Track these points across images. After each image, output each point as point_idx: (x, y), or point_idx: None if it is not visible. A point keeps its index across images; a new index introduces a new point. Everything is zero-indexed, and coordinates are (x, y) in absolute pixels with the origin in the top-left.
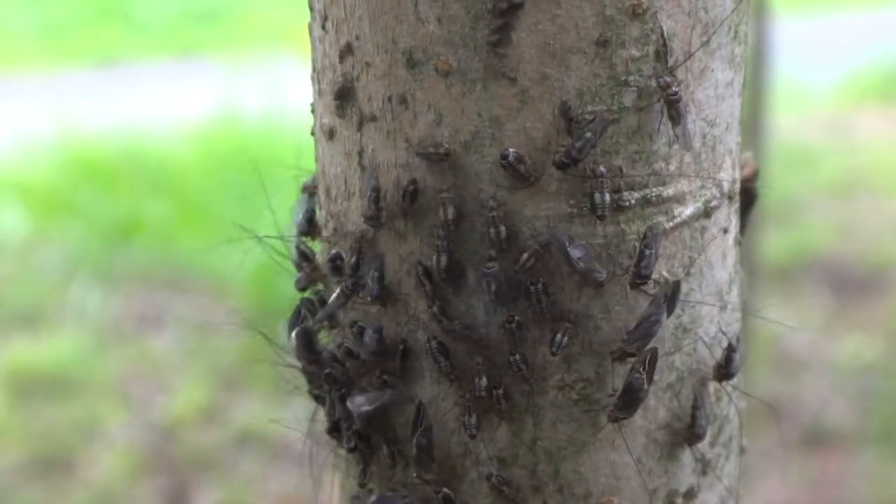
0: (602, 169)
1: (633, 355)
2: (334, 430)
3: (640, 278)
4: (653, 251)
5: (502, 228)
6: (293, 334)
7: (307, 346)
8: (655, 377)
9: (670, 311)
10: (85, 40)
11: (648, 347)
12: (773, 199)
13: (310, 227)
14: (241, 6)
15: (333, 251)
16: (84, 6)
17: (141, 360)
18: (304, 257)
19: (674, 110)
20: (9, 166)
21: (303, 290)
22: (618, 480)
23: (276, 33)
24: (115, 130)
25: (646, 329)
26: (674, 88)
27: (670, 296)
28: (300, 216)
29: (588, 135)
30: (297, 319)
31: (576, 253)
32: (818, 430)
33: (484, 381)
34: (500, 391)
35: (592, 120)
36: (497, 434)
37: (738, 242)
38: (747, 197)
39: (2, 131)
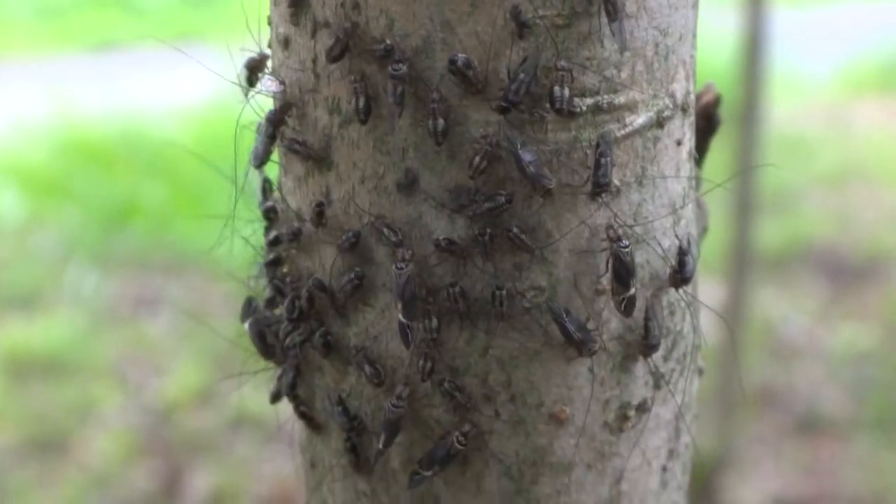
0: (563, 63)
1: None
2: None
3: (598, 187)
4: (608, 159)
5: (440, 121)
6: (246, 326)
7: (260, 339)
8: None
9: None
10: (82, 24)
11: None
12: (769, 188)
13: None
14: None
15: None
16: None
17: (136, 344)
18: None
19: (610, 5)
20: (6, 150)
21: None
22: (570, 390)
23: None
24: (112, 115)
25: None
26: None
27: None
28: (261, 201)
29: (521, 76)
30: (248, 309)
31: (526, 156)
32: (812, 417)
33: (458, 289)
34: (457, 289)
35: (524, 61)
36: (448, 342)
37: (694, 158)
38: (709, 123)
39: None
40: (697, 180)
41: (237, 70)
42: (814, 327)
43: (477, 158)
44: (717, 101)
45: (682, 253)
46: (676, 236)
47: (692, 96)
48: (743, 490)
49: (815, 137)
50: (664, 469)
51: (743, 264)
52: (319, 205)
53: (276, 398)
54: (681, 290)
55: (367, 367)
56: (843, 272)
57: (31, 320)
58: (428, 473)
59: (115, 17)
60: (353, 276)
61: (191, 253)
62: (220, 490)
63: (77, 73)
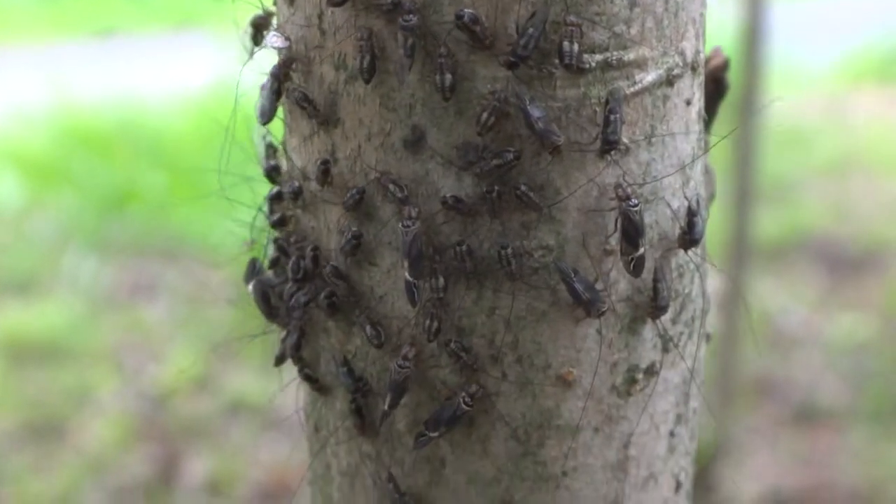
0: (573, 18)
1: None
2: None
3: (608, 144)
4: (618, 115)
5: (448, 76)
6: (250, 287)
7: (264, 299)
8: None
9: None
10: (83, 11)
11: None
12: (768, 179)
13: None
14: None
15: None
16: None
17: (133, 329)
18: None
19: None
20: (5, 135)
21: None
22: (578, 352)
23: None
24: (111, 101)
25: None
26: None
27: None
28: (265, 162)
29: (530, 30)
30: (252, 271)
31: (535, 112)
32: (810, 407)
33: (465, 247)
34: (464, 248)
35: (532, 16)
36: (455, 302)
37: (703, 119)
38: (718, 87)
39: None
40: (705, 144)
41: (241, 39)
42: (812, 317)
43: (485, 114)
44: (725, 65)
45: (692, 214)
46: (685, 197)
47: (702, 55)
48: (740, 480)
49: (814, 128)
50: (672, 434)
51: (741, 254)
52: (325, 162)
53: (280, 361)
54: (690, 252)
55: (367, 328)
56: (841, 262)
57: (28, 305)
58: (434, 435)
59: (115, 3)
60: (350, 235)
61: (188, 239)
62: (217, 476)
63: (77, 59)
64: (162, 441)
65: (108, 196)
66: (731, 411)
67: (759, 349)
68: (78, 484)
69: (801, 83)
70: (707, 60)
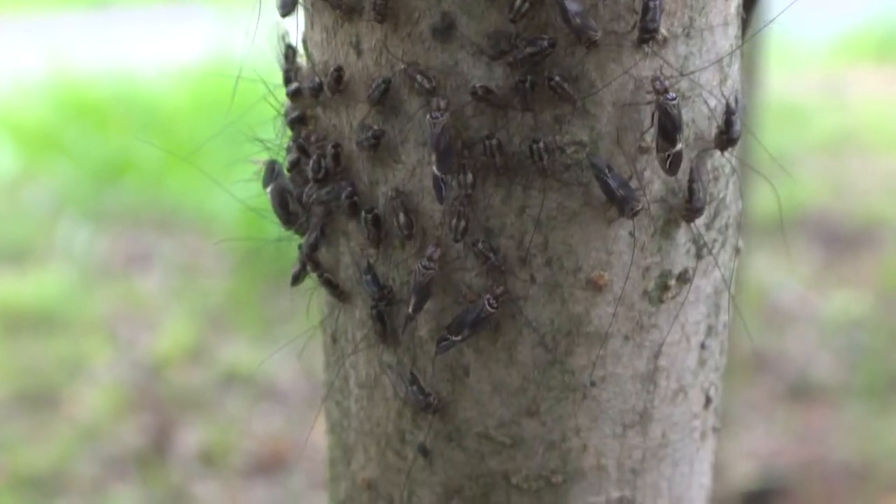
0: None
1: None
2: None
3: (646, 33)
4: (657, 2)
5: None
6: (268, 191)
7: (282, 204)
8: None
9: None
10: None
11: None
12: (765, 155)
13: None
14: None
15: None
16: None
17: (128, 299)
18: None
19: None
20: (1, 104)
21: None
22: (609, 255)
23: None
24: (106, 72)
25: None
26: None
27: None
28: (283, 63)
29: None
30: (271, 174)
31: (572, 7)
32: (804, 383)
33: (495, 141)
34: (494, 142)
35: None
36: (483, 201)
37: (742, 17)
38: None
39: None
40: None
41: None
42: (807, 294)
43: (518, 1)
44: None
45: (730, 112)
46: (723, 95)
47: None
48: (734, 454)
49: (811, 106)
50: (703, 346)
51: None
52: (338, 69)
53: (296, 279)
54: (726, 154)
55: (401, 216)
56: (837, 239)
57: (22, 275)
58: (456, 339)
59: None
60: (370, 133)
61: (183, 210)
62: (210, 446)
63: (73, 30)
64: (155, 411)
65: (103, 166)
66: (726, 386)
67: (755, 325)
68: (71, 453)
69: (798, 60)
70: None
